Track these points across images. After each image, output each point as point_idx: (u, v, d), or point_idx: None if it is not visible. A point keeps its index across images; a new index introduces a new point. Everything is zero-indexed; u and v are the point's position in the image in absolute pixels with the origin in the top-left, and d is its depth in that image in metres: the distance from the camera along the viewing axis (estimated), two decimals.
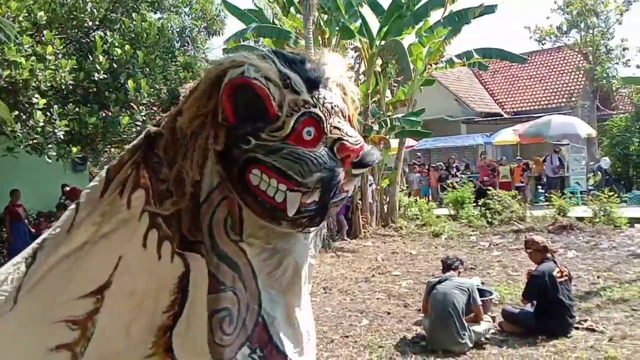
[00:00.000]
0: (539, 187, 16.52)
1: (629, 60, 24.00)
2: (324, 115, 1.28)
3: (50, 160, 6.59)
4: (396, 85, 14.79)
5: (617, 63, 23.52)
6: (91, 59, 6.89)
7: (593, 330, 5.00)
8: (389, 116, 12.56)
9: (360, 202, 12.13)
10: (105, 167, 1.38)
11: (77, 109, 6.70)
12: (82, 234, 1.34)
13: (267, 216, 1.29)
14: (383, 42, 12.02)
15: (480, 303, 4.89)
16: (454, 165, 18.16)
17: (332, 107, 1.30)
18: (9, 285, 1.34)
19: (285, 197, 1.24)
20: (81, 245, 1.34)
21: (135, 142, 1.40)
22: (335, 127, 1.29)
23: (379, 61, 12.56)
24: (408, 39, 12.43)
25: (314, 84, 1.29)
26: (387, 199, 13.32)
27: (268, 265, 1.34)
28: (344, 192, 1.33)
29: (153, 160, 1.33)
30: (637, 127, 17.68)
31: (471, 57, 12.86)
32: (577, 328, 5.03)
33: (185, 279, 1.31)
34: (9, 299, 1.33)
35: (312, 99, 1.27)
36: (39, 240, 1.41)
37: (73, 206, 1.39)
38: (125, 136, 6.66)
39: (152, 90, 7.01)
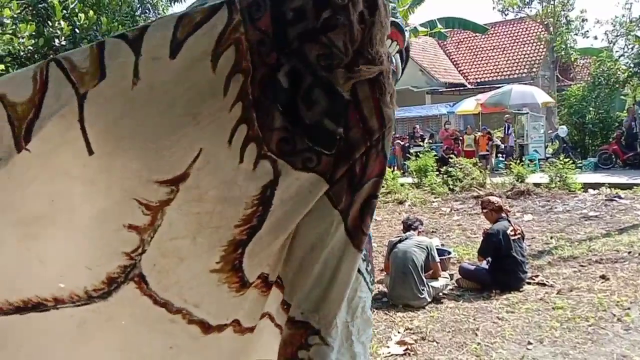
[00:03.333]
0: (499, 155, 17.01)
1: (587, 31, 24.64)
2: None
3: None
4: None
5: (576, 34, 24.09)
6: (50, 24, 6.73)
7: (543, 285, 5.33)
8: None
9: None
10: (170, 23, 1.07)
11: None
12: (159, 96, 1.08)
13: None
14: None
15: (438, 260, 5.15)
16: (419, 135, 18.47)
17: None
18: None
19: None
20: (160, 115, 1.09)
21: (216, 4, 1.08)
22: None
23: None
24: None
25: None
26: None
27: None
28: None
29: (258, 39, 1.07)
30: (594, 96, 18.26)
31: (435, 27, 13.03)
32: (529, 283, 5.35)
33: (270, 191, 1.12)
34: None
35: None
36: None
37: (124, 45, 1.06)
38: None
39: None
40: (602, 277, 5.42)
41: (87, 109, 1.04)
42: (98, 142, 1.06)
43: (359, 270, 1.23)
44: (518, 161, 13.13)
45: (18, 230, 1.10)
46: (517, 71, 23.48)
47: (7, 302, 1.12)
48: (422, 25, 13.34)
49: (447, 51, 26.33)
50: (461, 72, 25.21)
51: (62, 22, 6.44)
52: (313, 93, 1.09)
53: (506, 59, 24.51)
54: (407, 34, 1.30)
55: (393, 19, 1.20)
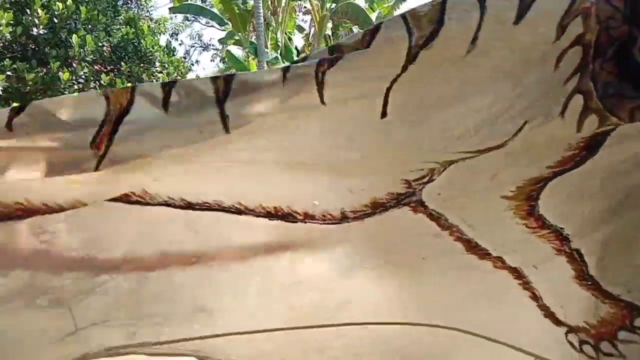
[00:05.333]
0: None
1: None
2: None
3: None
4: None
5: None
6: (29, 13, 6.61)
7: None
8: None
9: None
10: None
11: (14, 65, 6.45)
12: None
13: None
14: (334, 5, 12.01)
15: None
16: None
17: None
18: None
19: None
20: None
21: None
22: None
23: (330, 24, 12.57)
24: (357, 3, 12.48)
25: None
26: None
27: None
28: None
29: (608, 14, 0.99)
30: None
31: None
32: None
33: (602, 137, 1.09)
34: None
35: None
36: None
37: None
38: (66, 93, 6.47)
39: (95, 47, 6.81)
40: None
41: (409, 71, 0.98)
42: (396, 107, 1.01)
43: None
44: None
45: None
46: None
47: (260, 206, 1.19)
48: None
49: None
50: None
51: (40, 11, 6.33)
52: None
53: None
54: None
55: None
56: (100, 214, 1.05)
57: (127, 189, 1.05)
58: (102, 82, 6.71)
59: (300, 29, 14.54)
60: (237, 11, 11.83)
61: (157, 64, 8.09)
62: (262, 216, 1.20)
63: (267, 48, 11.10)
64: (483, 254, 1.22)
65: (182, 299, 1.20)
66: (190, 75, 11.19)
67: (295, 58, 11.96)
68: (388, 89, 0.99)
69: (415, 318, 1.33)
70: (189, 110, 0.96)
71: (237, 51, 15.47)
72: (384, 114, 1.02)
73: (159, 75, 8.07)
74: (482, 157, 1.10)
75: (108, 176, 0.97)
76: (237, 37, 12.86)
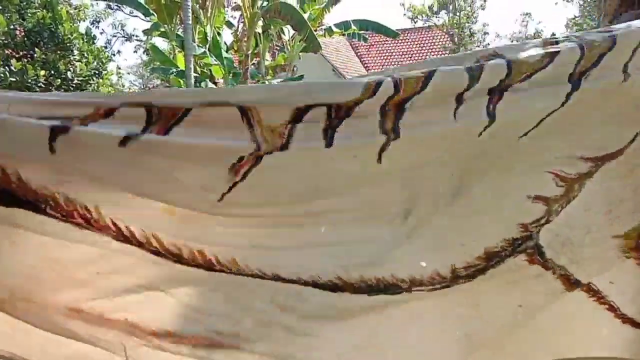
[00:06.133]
0: None
1: (488, 44, 26.28)
2: None
3: None
4: (277, 49, 14.75)
5: (477, 46, 25.56)
6: None
7: None
8: (268, 80, 12.53)
9: None
10: None
11: None
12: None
13: None
14: (266, 3, 11.86)
15: None
16: None
17: None
18: None
19: None
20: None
21: None
22: None
23: (260, 22, 12.41)
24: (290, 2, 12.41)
25: None
26: None
27: None
28: None
29: None
30: None
31: (349, 28, 13.21)
32: None
33: None
34: None
35: None
36: None
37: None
38: None
39: (7, 29, 6.29)
40: None
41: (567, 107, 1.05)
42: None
43: None
44: None
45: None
46: None
47: (360, 279, 1.11)
48: (336, 25, 13.46)
49: (359, 53, 26.85)
50: (372, 74, 25.80)
51: None
52: None
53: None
54: None
55: None
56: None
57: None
58: (12, 68, 6.21)
59: (230, 24, 14.25)
60: (164, 2, 11.39)
61: (76, 52, 7.62)
62: (360, 292, 1.12)
63: (194, 42, 10.77)
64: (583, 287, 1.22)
65: None
66: (110, 66, 10.64)
67: (224, 53, 11.71)
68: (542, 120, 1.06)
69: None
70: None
71: (162, 43, 14.93)
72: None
73: (77, 64, 7.60)
74: (598, 188, 1.12)
75: None
76: (162, 29, 12.38)
